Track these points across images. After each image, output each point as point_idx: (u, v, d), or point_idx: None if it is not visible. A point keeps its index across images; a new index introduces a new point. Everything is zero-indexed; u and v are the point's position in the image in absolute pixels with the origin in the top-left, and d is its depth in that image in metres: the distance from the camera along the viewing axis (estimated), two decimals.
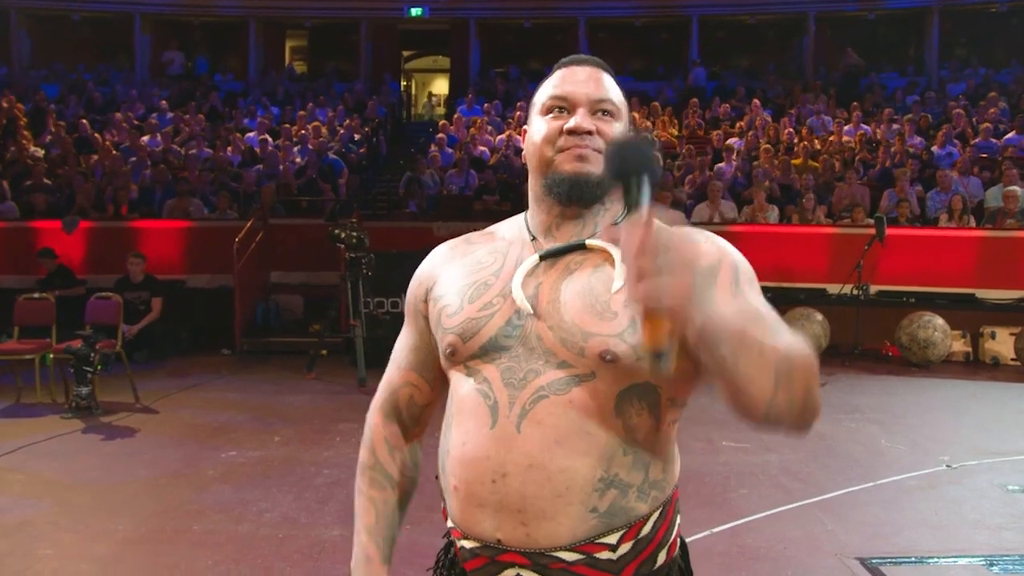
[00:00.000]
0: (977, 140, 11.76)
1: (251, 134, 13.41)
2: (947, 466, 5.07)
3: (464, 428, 1.29)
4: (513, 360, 1.27)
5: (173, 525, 4.06)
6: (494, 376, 1.28)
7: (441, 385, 1.45)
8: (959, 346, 8.41)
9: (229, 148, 12.65)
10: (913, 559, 3.74)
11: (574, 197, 1.31)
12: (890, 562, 3.68)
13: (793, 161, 11.43)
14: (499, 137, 13.89)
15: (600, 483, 1.22)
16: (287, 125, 13.75)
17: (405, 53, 22.29)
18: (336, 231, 7.51)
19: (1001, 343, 8.32)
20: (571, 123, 1.30)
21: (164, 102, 14.75)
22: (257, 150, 12.50)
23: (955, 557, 3.77)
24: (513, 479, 1.23)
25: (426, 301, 1.42)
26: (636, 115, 14.50)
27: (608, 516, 1.23)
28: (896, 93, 15.16)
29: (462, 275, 1.38)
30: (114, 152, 12.08)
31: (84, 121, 13.41)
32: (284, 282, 9.69)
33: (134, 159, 11.75)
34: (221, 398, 6.76)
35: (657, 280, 0.97)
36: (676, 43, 19.83)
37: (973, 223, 9.21)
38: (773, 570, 3.63)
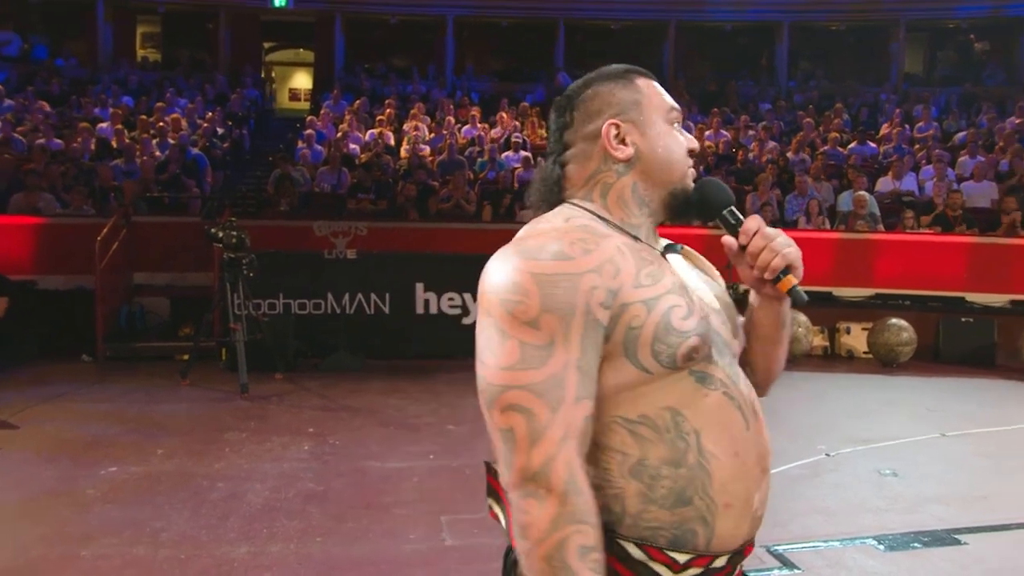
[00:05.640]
0: (826, 148, 12.62)
1: (103, 125, 12.53)
2: (826, 455, 5.42)
3: (727, 439, 1.22)
4: (720, 356, 1.27)
5: (59, 551, 3.72)
6: (723, 376, 1.26)
7: None
8: (818, 341, 9.01)
9: (78, 139, 11.75)
10: (812, 544, 3.97)
11: (692, 212, 1.39)
12: (794, 548, 3.89)
13: None
14: (369, 132, 13.65)
15: None
16: (144, 116, 12.94)
17: (266, 45, 21.51)
18: (213, 230, 7.12)
19: (855, 337, 8.98)
20: (695, 146, 1.39)
21: (0, 86, 13.54)
22: (113, 142, 11.68)
23: (848, 540, 4.03)
24: (767, 474, 1.29)
25: (619, 306, 1.18)
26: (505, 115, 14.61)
27: None
28: (750, 102, 16.03)
29: (656, 274, 1.23)
30: None
31: None
32: (149, 283, 9.08)
33: None
34: (90, 409, 6.25)
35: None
36: (541, 45, 20.14)
37: (828, 226, 9.88)
38: None
